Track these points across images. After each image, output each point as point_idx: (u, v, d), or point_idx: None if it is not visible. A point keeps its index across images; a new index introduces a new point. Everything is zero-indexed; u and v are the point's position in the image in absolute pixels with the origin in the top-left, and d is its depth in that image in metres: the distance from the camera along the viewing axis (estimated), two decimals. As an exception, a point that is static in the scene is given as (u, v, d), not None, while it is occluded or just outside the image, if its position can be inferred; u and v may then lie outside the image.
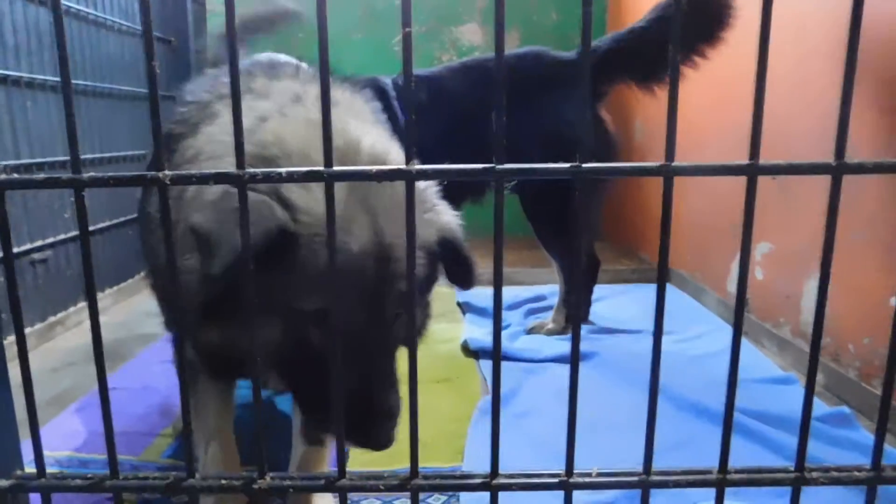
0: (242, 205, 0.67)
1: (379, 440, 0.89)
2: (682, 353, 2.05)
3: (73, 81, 2.35)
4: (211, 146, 1.00)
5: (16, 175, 0.71)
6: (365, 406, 0.89)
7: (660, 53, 2.03)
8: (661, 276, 0.69)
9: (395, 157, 0.98)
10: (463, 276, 1.05)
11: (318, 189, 0.87)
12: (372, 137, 0.98)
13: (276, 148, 0.92)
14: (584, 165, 0.65)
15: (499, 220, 0.69)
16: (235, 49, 0.65)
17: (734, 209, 2.49)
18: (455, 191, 1.07)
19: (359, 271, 0.87)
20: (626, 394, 1.77)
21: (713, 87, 2.51)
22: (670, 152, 0.68)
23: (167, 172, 0.67)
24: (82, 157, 2.52)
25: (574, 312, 0.73)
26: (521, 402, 1.76)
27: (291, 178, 0.66)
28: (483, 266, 3.26)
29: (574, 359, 0.74)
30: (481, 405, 1.72)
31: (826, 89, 1.87)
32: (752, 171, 0.67)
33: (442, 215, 1.02)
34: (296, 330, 0.90)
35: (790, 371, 1.94)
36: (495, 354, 0.72)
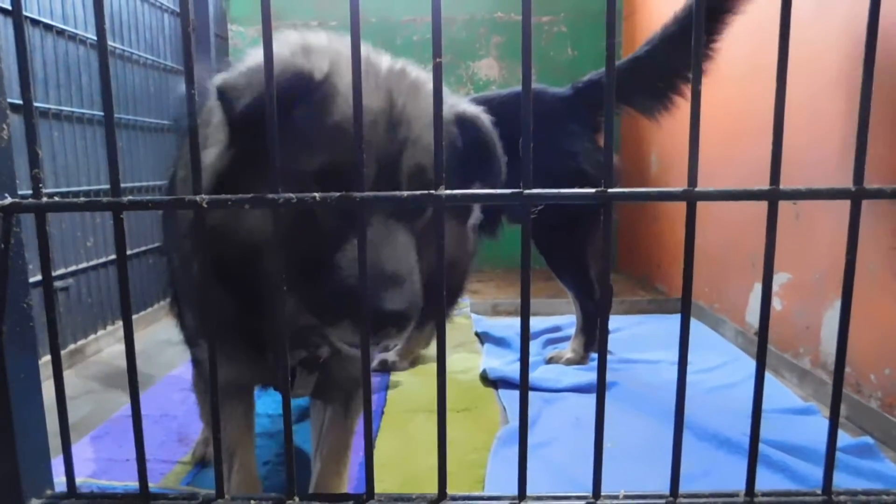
0: (276, 227, 0.69)
1: (388, 309, 0.78)
2: (702, 383, 2.03)
3: (100, 113, 2.39)
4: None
5: (57, 198, 0.74)
6: (373, 272, 0.76)
7: (654, 83, 2.08)
8: (686, 298, 0.69)
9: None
10: (486, 163, 0.96)
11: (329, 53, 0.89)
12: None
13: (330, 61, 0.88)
14: (609, 191, 0.67)
15: (526, 243, 0.71)
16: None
17: (751, 240, 2.49)
18: None
19: (367, 126, 0.80)
20: (645, 423, 1.75)
21: (724, 120, 2.54)
22: (693, 178, 0.69)
23: (204, 196, 0.70)
24: (105, 186, 2.56)
25: (601, 341, 0.74)
26: (541, 431, 1.75)
27: (325, 202, 0.68)
28: (499, 296, 3.25)
29: (600, 386, 0.75)
30: (501, 435, 1.70)
31: (839, 119, 1.88)
32: (773, 196, 0.69)
33: (458, 101, 0.97)
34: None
35: (810, 401, 1.91)
36: (522, 378, 0.73)
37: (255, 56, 0.84)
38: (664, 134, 3.19)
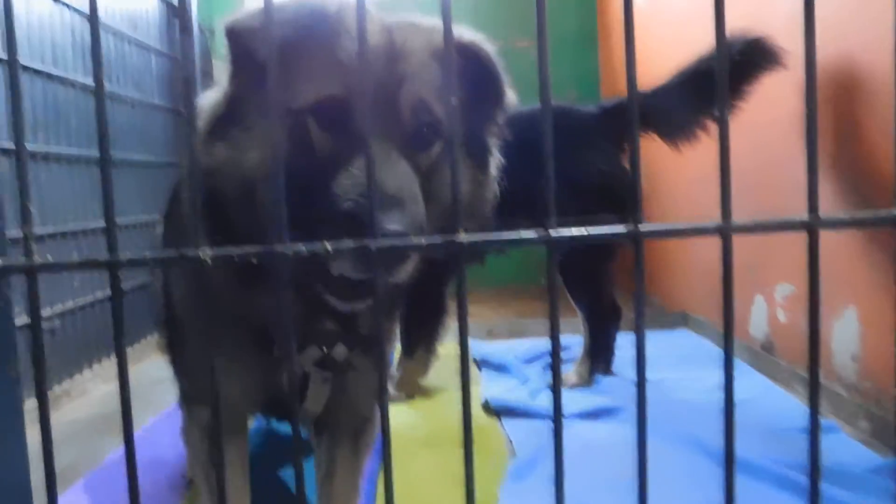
0: (282, 278, 0.64)
1: (386, 228, 0.73)
2: (712, 401, 1.98)
3: (87, 153, 2.38)
4: None
5: (50, 257, 0.69)
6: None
7: (682, 113, 2.08)
8: (728, 337, 0.66)
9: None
10: (491, 89, 0.97)
11: None
12: None
13: None
14: (641, 228, 0.63)
15: (553, 287, 0.67)
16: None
17: (748, 250, 2.47)
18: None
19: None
20: (658, 448, 1.70)
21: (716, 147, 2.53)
22: (726, 210, 0.66)
23: (207, 251, 0.65)
24: (95, 225, 2.53)
25: (639, 387, 0.70)
26: (551, 462, 1.70)
27: (338, 253, 0.64)
28: (493, 319, 3.19)
29: (641, 416, 0.71)
30: (512, 470, 1.65)
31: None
32: (813, 226, 0.66)
33: (458, 31, 0.95)
34: (297, 131, 0.85)
35: (827, 417, 1.87)
36: (556, 427, 0.68)
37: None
38: (649, 148, 3.19)
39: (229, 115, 0.89)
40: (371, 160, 0.65)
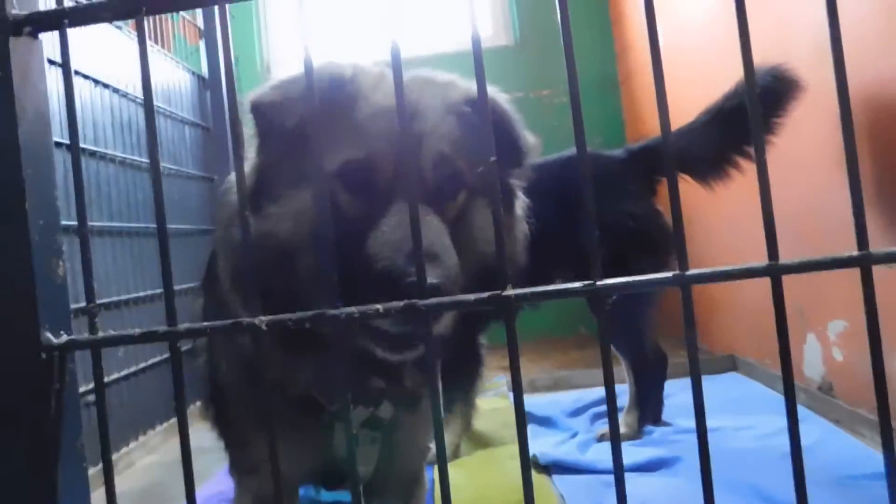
0: (338, 341, 0.65)
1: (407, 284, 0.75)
2: (774, 448, 1.90)
3: (127, 225, 2.46)
4: None
5: (112, 331, 0.72)
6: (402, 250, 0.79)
7: (713, 152, 2.07)
8: (788, 382, 0.64)
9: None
10: (507, 136, 0.97)
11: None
12: None
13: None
14: (687, 273, 0.63)
15: (605, 340, 0.66)
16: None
17: (795, 287, 2.39)
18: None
19: (377, 123, 0.89)
20: (723, 502, 1.62)
21: (747, 184, 2.52)
22: (773, 250, 0.65)
23: (263, 318, 0.67)
24: (141, 294, 2.58)
25: (699, 425, 0.68)
26: (607, 519, 1.63)
27: (388, 313, 0.65)
28: (534, 371, 3.11)
29: (705, 470, 0.68)
30: (567, 529, 1.58)
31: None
32: (865, 262, 0.65)
33: (470, 85, 0.98)
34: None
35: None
36: (619, 488, 0.67)
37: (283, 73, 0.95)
38: (683, 185, 3.17)
39: (259, 187, 0.92)
40: (416, 220, 0.66)
